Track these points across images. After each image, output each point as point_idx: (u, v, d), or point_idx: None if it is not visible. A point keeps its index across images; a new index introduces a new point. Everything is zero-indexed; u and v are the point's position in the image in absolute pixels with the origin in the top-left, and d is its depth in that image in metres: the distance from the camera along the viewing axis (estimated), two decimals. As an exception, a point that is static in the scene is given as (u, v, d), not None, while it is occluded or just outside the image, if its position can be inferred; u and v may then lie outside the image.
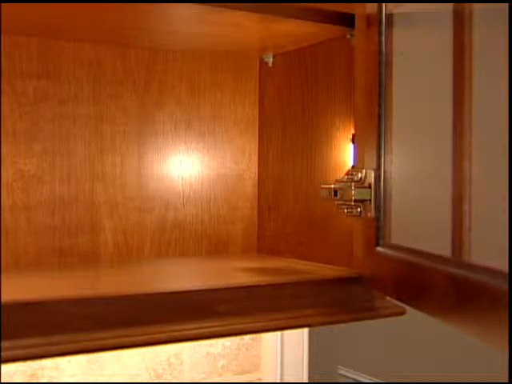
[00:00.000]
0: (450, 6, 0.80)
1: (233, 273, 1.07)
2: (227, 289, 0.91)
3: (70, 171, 1.14)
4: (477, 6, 0.76)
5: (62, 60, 1.13)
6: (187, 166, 1.25)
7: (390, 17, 0.95)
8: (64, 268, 1.11)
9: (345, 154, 1.08)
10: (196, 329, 0.87)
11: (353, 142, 1.04)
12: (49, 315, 0.79)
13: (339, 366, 3.28)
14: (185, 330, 0.87)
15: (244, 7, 0.95)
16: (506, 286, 0.63)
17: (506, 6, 0.67)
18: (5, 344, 0.76)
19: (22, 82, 1.09)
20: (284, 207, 1.23)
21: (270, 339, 1.43)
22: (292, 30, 1.06)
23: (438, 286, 0.76)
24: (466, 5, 0.77)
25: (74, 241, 1.14)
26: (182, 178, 1.25)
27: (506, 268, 0.63)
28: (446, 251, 0.78)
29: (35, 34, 1.09)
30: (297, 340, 1.47)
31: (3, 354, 0.75)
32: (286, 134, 1.23)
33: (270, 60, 1.26)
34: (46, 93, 1.12)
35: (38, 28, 1.06)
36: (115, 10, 0.96)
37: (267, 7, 0.97)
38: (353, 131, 1.04)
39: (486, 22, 0.75)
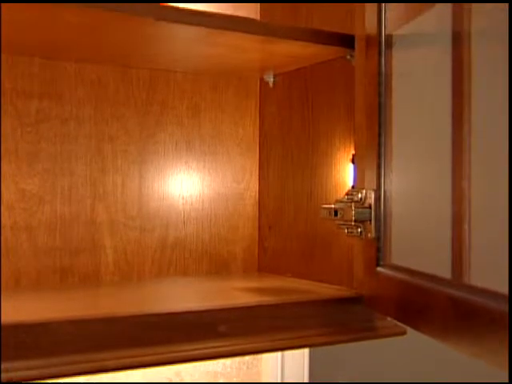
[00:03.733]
0: (448, 26, 0.81)
1: (234, 293, 1.07)
2: (228, 309, 0.91)
3: (71, 191, 1.14)
4: (475, 27, 0.76)
5: (63, 80, 1.13)
6: (188, 186, 1.25)
7: (389, 38, 0.96)
8: (65, 288, 1.11)
9: (345, 173, 1.08)
10: (197, 349, 0.87)
11: (353, 162, 1.04)
12: (49, 336, 0.79)
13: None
14: (186, 350, 0.87)
15: (244, 29, 0.95)
16: (506, 308, 0.63)
17: (504, 30, 0.68)
18: (5, 365, 0.75)
19: (24, 101, 1.10)
20: (285, 226, 1.24)
21: (271, 357, 1.42)
22: (292, 50, 1.07)
23: (438, 308, 0.77)
24: (465, 25, 0.78)
25: (74, 260, 1.14)
26: (183, 198, 1.25)
27: (506, 289, 0.64)
28: (446, 272, 0.78)
29: (37, 54, 1.10)
30: (297, 358, 1.47)
31: (3, 375, 0.75)
32: (286, 154, 1.23)
33: (271, 80, 1.26)
34: (48, 113, 1.12)
35: (40, 48, 1.07)
36: (117, 32, 0.97)
37: (267, 29, 0.98)
38: (353, 151, 1.04)
39: (483, 42, 0.76)
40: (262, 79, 1.29)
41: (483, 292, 0.69)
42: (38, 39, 1.01)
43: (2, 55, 1.07)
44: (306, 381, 1.48)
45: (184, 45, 1.06)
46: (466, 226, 0.76)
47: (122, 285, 1.15)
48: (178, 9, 0.92)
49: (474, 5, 0.76)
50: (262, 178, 1.30)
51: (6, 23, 0.90)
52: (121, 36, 0.99)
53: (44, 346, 0.78)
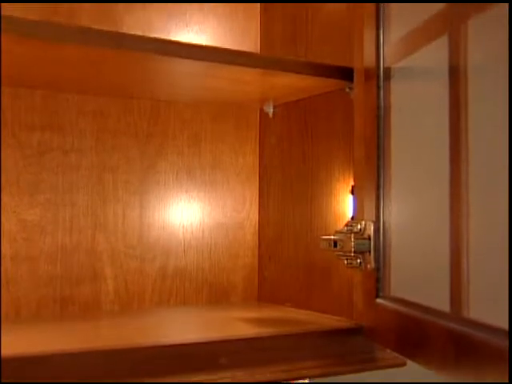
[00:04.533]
0: (445, 61, 0.82)
1: (233, 323, 1.07)
2: (228, 341, 0.91)
3: (72, 221, 1.15)
4: (471, 62, 0.77)
5: (65, 111, 1.15)
6: (188, 215, 1.26)
7: (387, 71, 0.97)
8: (65, 317, 1.11)
9: (344, 204, 1.09)
10: (197, 382, 0.87)
11: (352, 193, 1.05)
12: (49, 370, 0.79)
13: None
14: (186, 382, 0.87)
15: (245, 63, 0.97)
16: (505, 343, 0.63)
17: (499, 65, 0.69)
18: (6, 399, 0.76)
19: (27, 133, 1.11)
20: (284, 256, 1.24)
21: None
22: (292, 83, 1.08)
23: (437, 341, 0.77)
24: (461, 60, 0.79)
25: (75, 290, 1.15)
26: (183, 227, 1.25)
27: (505, 324, 0.64)
28: (445, 305, 0.78)
29: (40, 86, 1.11)
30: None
31: (4, 409, 0.75)
32: (286, 184, 1.24)
33: (271, 110, 1.28)
34: (50, 144, 1.13)
35: (43, 81, 1.08)
36: (118, 66, 0.98)
37: (267, 62, 0.99)
38: (352, 182, 1.05)
39: (480, 76, 0.77)
40: (261, 110, 1.30)
41: (482, 326, 0.69)
42: (41, 73, 1.03)
43: (5, 88, 1.08)
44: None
45: (185, 77, 1.07)
46: (464, 259, 0.76)
47: (122, 315, 1.15)
48: (179, 43, 0.93)
49: (470, 39, 0.77)
50: (261, 207, 1.31)
51: (9, 57, 0.91)
52: (122, 70, 1.01)
53: (44, 380, 0.78)
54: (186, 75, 1.05)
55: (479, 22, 0.74)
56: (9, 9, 1.07)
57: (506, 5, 0.66)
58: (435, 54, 0.85)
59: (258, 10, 1.34)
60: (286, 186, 1.24)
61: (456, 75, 0.79)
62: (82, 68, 1.00)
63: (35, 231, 1.12)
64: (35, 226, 1.12)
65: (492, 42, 0.73)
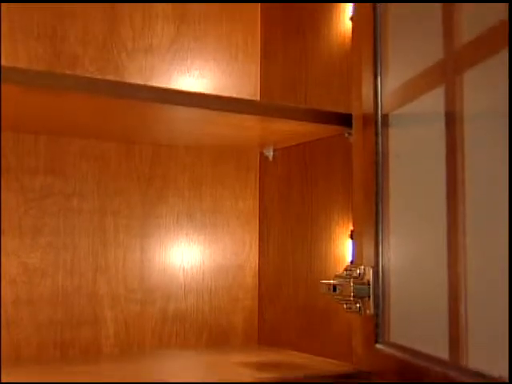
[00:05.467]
0: (442, 109, 0.83)
1: (233, 368, 1.07)
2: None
3: (73, 264, 1.16)
4: (468, 110, 0.79)
5: (68, 155, 1.16)
6: (189, 258, 1.27)
7: (385, 117, 0.98)
8: (65, 361, 1.11)
9: (344, 248, 1.10)
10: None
11: (351, 238, 1.06)
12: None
13: None
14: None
15: (244, 110, 0.98)
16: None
17: (494, 113, 0.70)
18: None
19: (29, 178, 1.12)
20: (284, 298, 1.24)
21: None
22: (291, 129, 1.09)
23: (436, 389, 0.77)
24: (457, 108, 0.80)
25: (75, 333, 1.15)
26: (184, 270, 1.26)
27: (505, 374, 0.64)
28: (444, 352, 0.78)
29: (43, 132, 1.13)
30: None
31: None
32: (286, 227, 1.25)
33: (271, 154, 1.29)
34: (52, 188, 1.15)
35: (46, 127, 1.10)
36: (120, 114, 1.00)
37: (267, 109, 1.01)
38: (351, 227, 1.06)
39: (476, 123, 0.78)
40: (261, 153, 1.32)
41: (481, 376, 0.69)
42: (44, 119, 1.04)
43: (10, 133, 1.10)
44: None
45: (186, 124, 1.09)
46: (462, 306, 0.77)
47: (122, 358, 1.15)
48: (179, 92, 0.95)
49: (465, 88, 0.79)
50: (261, 250, 1.32)
51: (14, 105, 0.93)
52: (124, 117, 1.02)
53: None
54: (186, 121, 1.07)
55: (475, 73, 0.76)
56: (13, 58, 1.09)
57: (506, 53, 0.68)
58: (432, 102, 0.87)
59: (258, 54, 1.36)
60: (285, 229, 1.25)
61: (452, 122, 0.81)
62: (84, 115, 1.01)
63: (36, 274, 1.13)
64: (36, 270, 1.13)
65: (488, 91, 0.74)
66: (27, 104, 0.94)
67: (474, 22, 0.76)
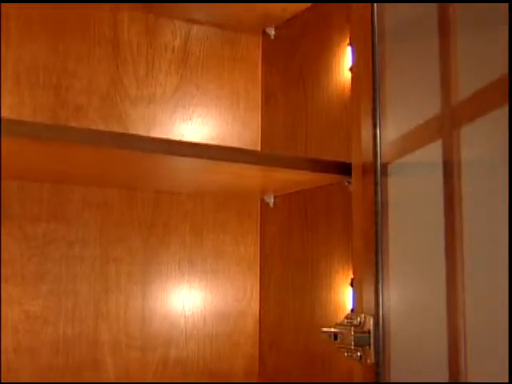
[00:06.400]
0: (440, 160, 0.84)
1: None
2: None
3: (74, 311, 1.16)
4: (465, 159, 0.80)
5: (71, 203, 1.17)
6: (190, 304, 1.27)
7: (384, 167, 0.99)
8: (65, 409, 1.11)
9: (344, 296, 1.10)
10: None
11: (352, 286, 1.06)
12: None
13: None
14: None
15: (245, 160, 0.99)
16: None
17: (490, 160, 0.72)
18: None
19: (32, 225, 1.13)
20: (285, 345, 1.24)
21: None
22: (292, 177, 1.10)
23: None
24: (455, 160, 0.81)
25: (76, 379, 1.15)
26: (185, 316, 1.26)
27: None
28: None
29: (47, 180, 1.14)
30: None
31: None
32: (286, 273, 1.25)
33: (271, 201, 1.30)
34: (55, 235, 1.15)
35: (50, 176, 1.11)
36: (123, 164, 1.01)
37: (267, 159, 1.02)
38: (351, 275, 1.06)
39: (473, 174, 0.79)
40: (262, 200, 1.33)
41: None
42: (48, 169, 1.06)
43: (14, 182, 1.11)
44: None
45: (187, 173, 1.10)
46: (462, 354, 0.77)
47: (122, 406, 1.15)
48: (181, 142, 0.96)
49: (462, 137, 0.80)
50: (262, 296, 1.32)
51: (19, 155, 0.94)
52: (127, 167, 1.04)
53: None
54: (188, 171, 1.08)
55: (472, 127, 0.78)
56: (18, 106, 1.11)
57: (506, 109, 0.69)
58: (430, 154, 0.88)
59: (259, 102, 1.38)
60: (286, 276, 1.25)
61: (450, 174, 0.82)
62: (88, 164, 1.03)
63: (37, 322, 1.13)
64: (38, 317, 1.13)
65: (485, 144, 0.75)
66: (32, 155, 0.95)
67: (471, 77, 0.78)
